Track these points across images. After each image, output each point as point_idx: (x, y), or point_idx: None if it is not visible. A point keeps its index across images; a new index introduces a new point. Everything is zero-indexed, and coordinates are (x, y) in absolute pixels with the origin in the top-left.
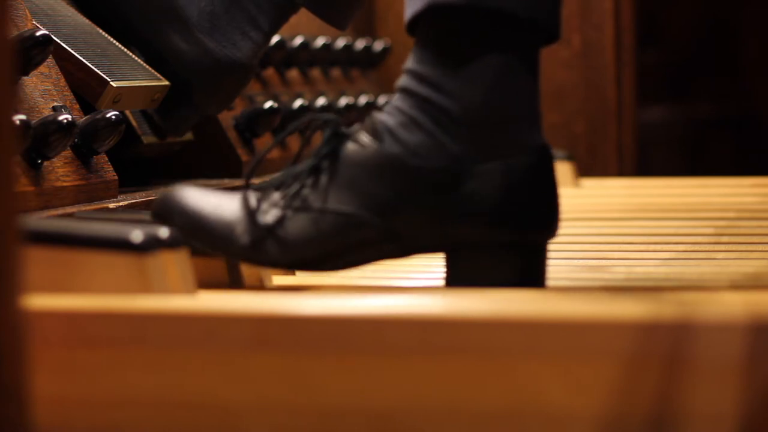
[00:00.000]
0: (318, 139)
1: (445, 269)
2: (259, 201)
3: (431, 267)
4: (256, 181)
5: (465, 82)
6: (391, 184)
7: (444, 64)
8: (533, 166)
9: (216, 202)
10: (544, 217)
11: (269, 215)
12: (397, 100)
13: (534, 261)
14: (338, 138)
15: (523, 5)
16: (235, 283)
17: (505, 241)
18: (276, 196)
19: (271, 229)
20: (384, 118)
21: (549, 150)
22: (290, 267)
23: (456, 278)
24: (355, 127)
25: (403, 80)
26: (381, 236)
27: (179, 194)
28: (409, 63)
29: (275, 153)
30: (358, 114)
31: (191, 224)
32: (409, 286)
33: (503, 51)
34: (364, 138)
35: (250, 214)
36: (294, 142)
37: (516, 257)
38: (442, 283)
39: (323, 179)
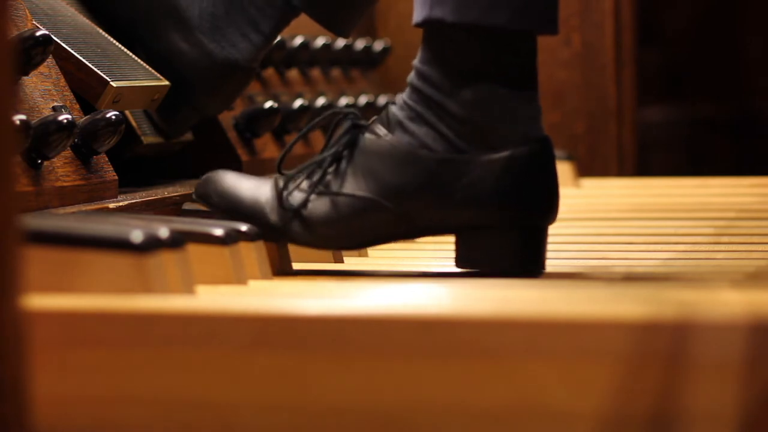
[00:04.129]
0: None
1: (454, 250)
2: (287, 185)
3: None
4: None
5: (461, 85)
6: (402, 172)
7: (442, 66)
8: (534, 155)
9: (251, 185)
10: (544, 202)
11: (295, 198)
12: (406, 94)
13: (534, 244)
14: (357, 129)
15: (510, 17)
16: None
17: (507, 223)
18: (302, 181)
19: (296, 211)
20: (395, 110)
21: (549, 141)
22: (312, 245)
23: (463, 258)
24: (374, 119)
25: (411, 75)
26: (393, 218)
27: (218, 177)
28: (417, 59)
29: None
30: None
31: (228, 204)
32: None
33: (495, 60)
34: (380, 129)
35: (279, 196)
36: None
37: (518, 239)
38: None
39: (343, 166)
